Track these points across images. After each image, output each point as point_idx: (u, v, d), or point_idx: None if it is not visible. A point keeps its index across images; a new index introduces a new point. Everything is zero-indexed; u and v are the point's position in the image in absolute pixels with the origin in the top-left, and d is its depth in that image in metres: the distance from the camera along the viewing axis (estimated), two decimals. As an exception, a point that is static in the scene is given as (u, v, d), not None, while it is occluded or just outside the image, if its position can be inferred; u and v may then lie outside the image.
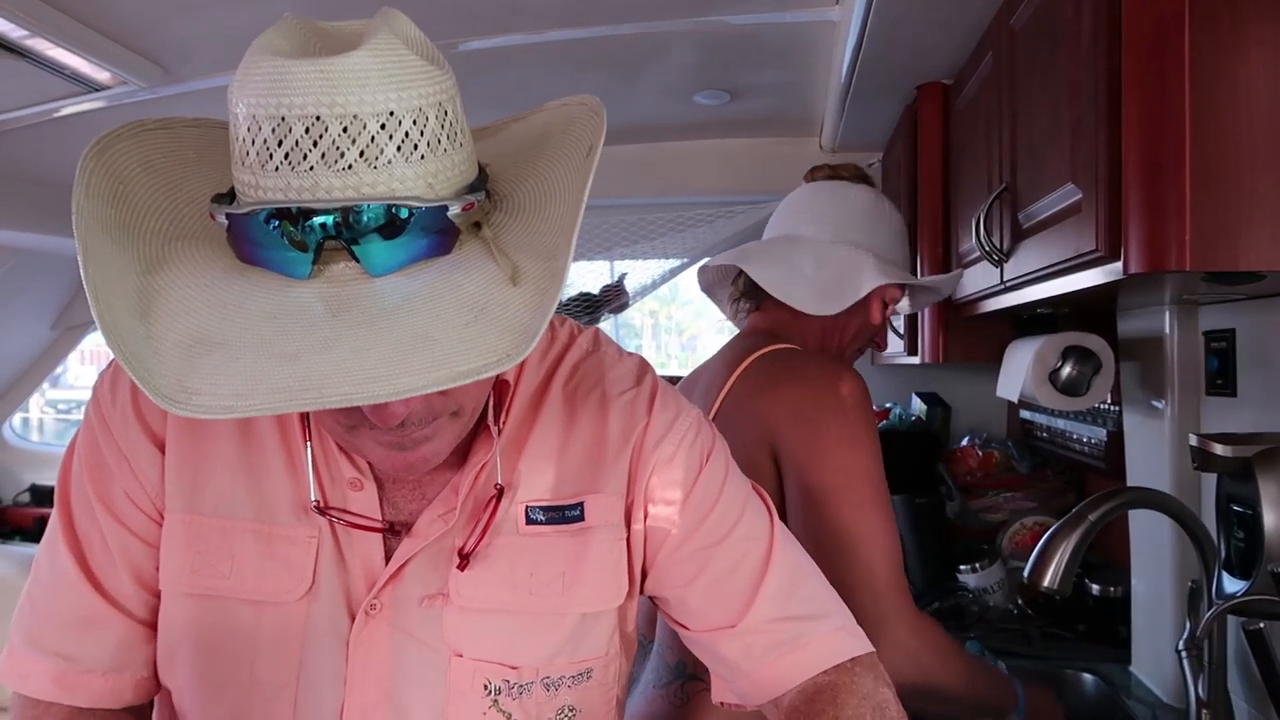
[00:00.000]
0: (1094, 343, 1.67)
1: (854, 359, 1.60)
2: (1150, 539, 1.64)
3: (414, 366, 0.63)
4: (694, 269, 3.15)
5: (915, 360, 2.29)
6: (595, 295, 3.24)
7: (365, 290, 0.68)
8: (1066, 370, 1.68)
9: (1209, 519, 1.34)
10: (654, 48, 2.10)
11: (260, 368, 0.63)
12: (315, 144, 0.65)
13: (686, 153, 3.01)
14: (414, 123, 0.68)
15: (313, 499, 0.85)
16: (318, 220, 0.66)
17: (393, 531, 0.87)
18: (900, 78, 2.06)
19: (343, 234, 0.67)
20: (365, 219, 0.67)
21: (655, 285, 3.34)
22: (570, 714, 0.89)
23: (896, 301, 1.56)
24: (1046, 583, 1.25)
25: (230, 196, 0.72)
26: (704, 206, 3.15)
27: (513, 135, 0.86)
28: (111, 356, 0.72)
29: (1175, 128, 0.97)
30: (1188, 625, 1.28)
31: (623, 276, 3.27)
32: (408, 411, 0.72)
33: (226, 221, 0.69)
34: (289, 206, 0.66)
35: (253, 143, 0.67)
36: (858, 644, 0.92)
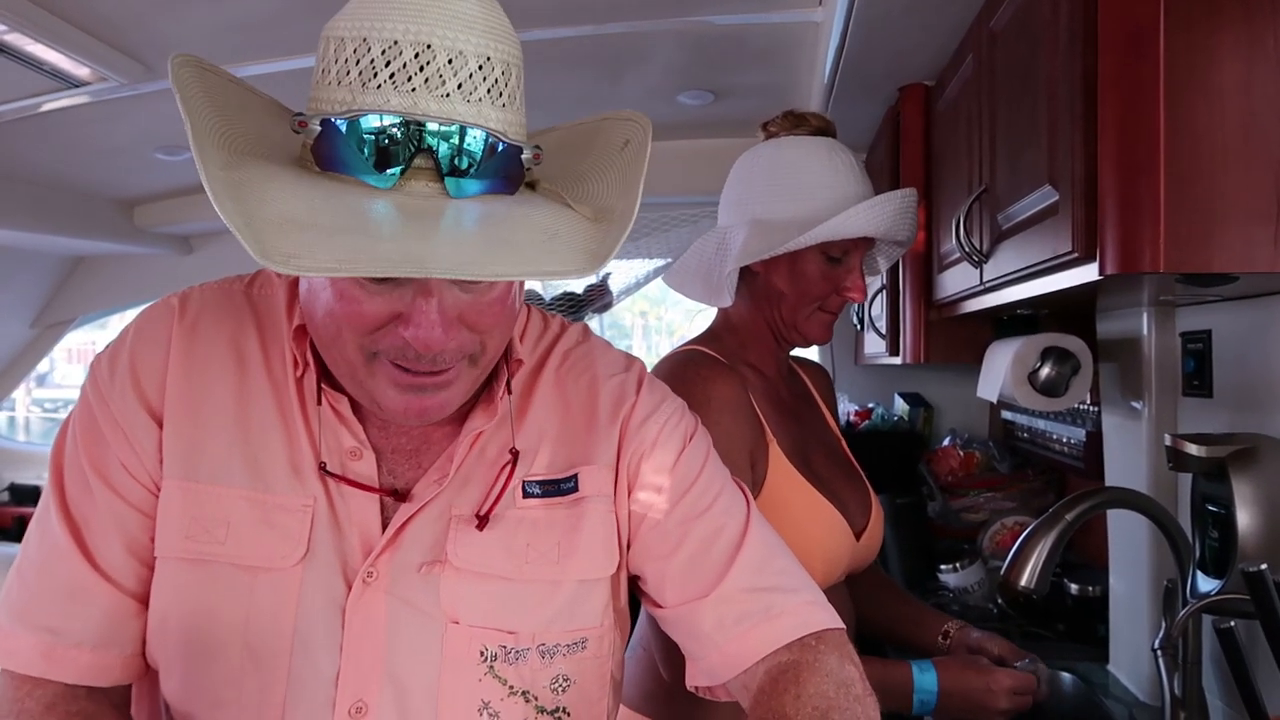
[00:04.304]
0: (1073, 344, 1.68)
1: (818, 329, 1.41)
2: (1128, 539, 1.65)
3: (503, 261, 0.72)
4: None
5: (897, 360, 2.30)
6: (579, 295, 3.25)
7: (444, 205, 0.75)
8: (1045, 371, 1.69)
9: (1185, 519, 1.35)
10: (638, 48, 2.10)
11: (359, 245, 0.69)
12: (421, 69, 0.73)
13: (670, 153, 3.02)
14: (502, 73, 0.77)
15: (320, 460, 0.87)
16: (431, 136, 0.74)
17: (394, 496, 0.89)
18: (882, 79, 2.07)
19: (437, 152, 0.74)
20: (468, 143, 0.75)
21: (639, 285, 3.35)
22: (564, 684, 0.91)
23: (851, 252, 1.37)
24: (1024, 582, 1.25)
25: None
26: (688, 206, 3.16)
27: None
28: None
29: (1150, 131, 0.98)
30: (1163, 624, 1.29)
31: (606, 276, 3.28)
32: (446, 340, 0.78)
33: (319, 129, 0.75)
34: (401, 118, 0.73)
35: (357, 62, 0.74)
36: (828, 618, 0.93)
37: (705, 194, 3.03)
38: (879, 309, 2.47)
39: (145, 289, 3.51)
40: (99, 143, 2.58)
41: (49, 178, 2.86)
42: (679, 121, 2.75)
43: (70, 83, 2.03)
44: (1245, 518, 1.16)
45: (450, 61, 0.74)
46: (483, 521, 0.88)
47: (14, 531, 3.71)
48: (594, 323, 3.35)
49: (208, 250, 3.50)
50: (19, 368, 3.71)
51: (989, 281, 1.51)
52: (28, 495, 3.85)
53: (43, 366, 3.94)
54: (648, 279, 3.37)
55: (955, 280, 1.77)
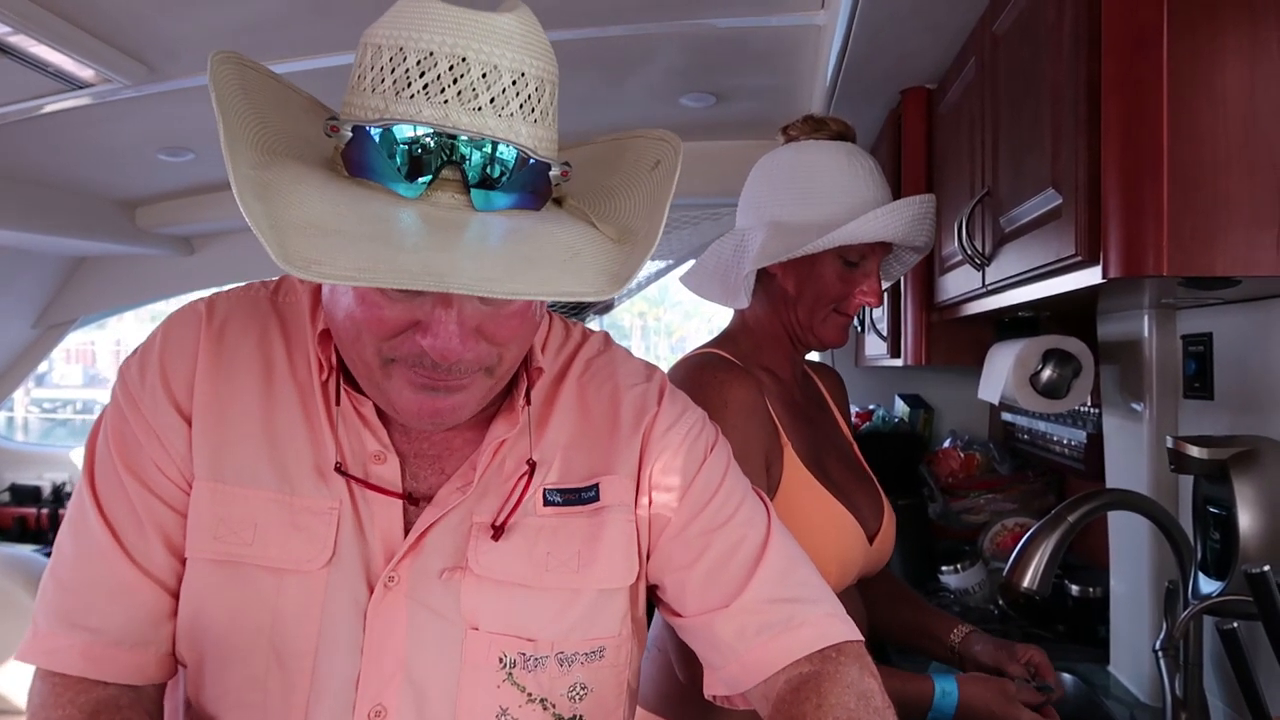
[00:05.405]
0: (1074, 346, 1.69)
1: (834, 332, 1.42)
2: (1129, 540, 1.66)
3: (523, 279, 0.71)
4: (678, 271, 3.17)
5: (898, 362, 2.30)
6: (581, 296, 3.25)
7: (469, 218, 0.75)
8: (1047, 373, 1.69)
9: (1186, 520, 1.35)
10: (640, 50, 2.10)
11: (380, 254, 0.69)
12: (455, 82, 0.74)
13: (672, 155, 3.01)
14: (536, 89, 0.77)
15: (338, 462, 0.88)
16: (463, 147, 0.74)
17: (412, 501, 0.90)
18: (884, 82, 2.07)
19: (466, 164, 0.75)
20: (498, 156, 0.75)
21: (641, 287, 3.36)
22: (582, 692, 0.91)
23: (869, 256, 1.38)
24: (1026, 583, 1.26)
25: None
26: (689, 208, 3.16)
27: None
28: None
29: (1153, 134, 0.99)
30: (1165, 625, 1.30)
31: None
32: (464, 351, 0.78)
33: (350, 134, 0.76)
34: (432, 128, 0.74)
35: (392, 71, 0.75)
36: (847, 630, 0.94)
37: (707, 196, 3.04)
38: (880, 311, 2.47)
39: (147, 290, 3.50)
40: (101, 143, 2.58)
41: (51, 178, 2.86)
42: (681, 124, 2.75)
43: (74, 84, 2.03)
44: (1247, 519, 1.17)
45: (484, 75, 0.74)
46: (498, 532, 0.88)
47: (14, 532, 3.71)
48: (594, 324, 3.36)
49: (209, 251, 3.50)
50: (21, 368, 3.71)
51: (991, 284, 1.52)
52: (27, 496, 3.84)
53: (41, 367, 3.93)
54: (648, 281, 3.37)
55: (957, 283, 1.77)
